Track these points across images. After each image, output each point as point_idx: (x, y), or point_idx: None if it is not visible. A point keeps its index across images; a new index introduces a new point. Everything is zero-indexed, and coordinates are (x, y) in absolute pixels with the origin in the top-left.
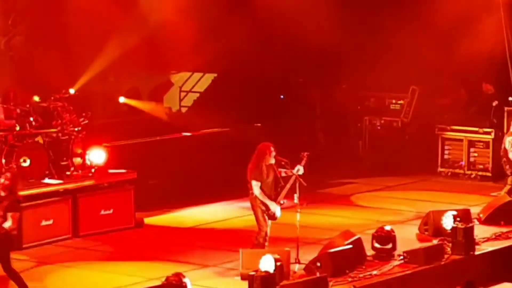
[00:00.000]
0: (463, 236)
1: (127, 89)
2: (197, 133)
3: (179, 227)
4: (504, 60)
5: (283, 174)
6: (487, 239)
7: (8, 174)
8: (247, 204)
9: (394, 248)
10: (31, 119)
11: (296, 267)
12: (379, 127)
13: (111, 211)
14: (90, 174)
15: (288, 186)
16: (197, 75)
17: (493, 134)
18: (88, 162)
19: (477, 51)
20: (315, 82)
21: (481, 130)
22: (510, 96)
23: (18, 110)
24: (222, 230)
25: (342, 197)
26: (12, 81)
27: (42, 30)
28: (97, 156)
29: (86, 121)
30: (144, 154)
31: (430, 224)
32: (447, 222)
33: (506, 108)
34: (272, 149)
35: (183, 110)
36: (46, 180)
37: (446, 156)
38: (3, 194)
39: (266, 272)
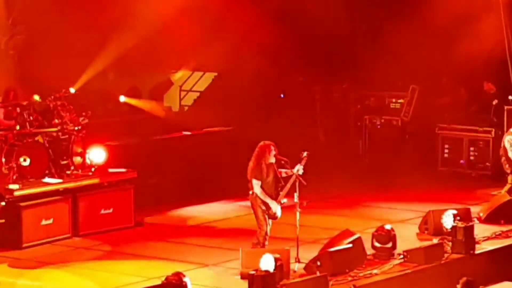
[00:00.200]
0: (463, 235)
1: (127, 88)
2: (197, 132)
3: (179, 226)
4: (504, 59)
5: (284, 175)
6: (487, 238)
7: None
8: (247, 203)
9: (394, 247)
10: (31, 118)
11: (296, 266)
12: (379, 126)
13: (111, 210)
14: (90, 173)
15: (288, 185)
16: (197, 74)
17: (493, 133)
18: (88, 161)
19: (477, 50)
20: (315, 81)
21: (481, 129)
22: (510, 95)
23: (18, 110)
24: (222, 229)
25: (342, 196)
26: (12, 80)
27: (42, 30)
28: (97, 155)
29: (86, 120)
30: (144, 153)
31: (430, 223)
32: (447, 221)
33: (506, 107)
34: (272, 148)
35: (184, 109)
36: (46, 179)
37: (446, 155)
38: None
39: (266, 271)
